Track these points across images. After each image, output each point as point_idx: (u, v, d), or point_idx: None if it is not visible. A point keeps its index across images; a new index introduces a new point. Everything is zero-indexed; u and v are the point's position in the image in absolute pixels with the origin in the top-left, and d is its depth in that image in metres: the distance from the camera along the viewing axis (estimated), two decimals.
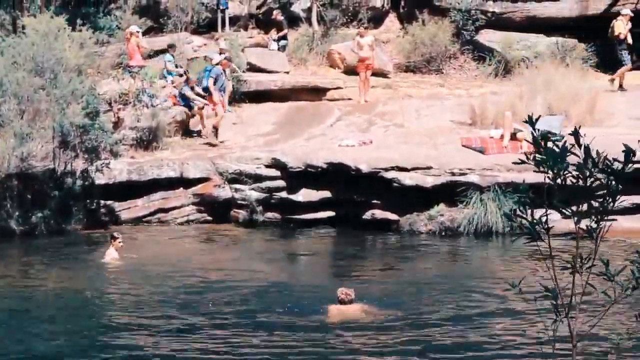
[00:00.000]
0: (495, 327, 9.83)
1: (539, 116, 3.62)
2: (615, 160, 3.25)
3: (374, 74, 22.55)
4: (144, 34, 24.33)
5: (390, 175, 16.45)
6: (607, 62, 22.51)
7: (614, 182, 3.18)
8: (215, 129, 19.78)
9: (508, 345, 9.09)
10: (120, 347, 9.37)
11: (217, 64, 20.48)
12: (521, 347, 8.97)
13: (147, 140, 19.49)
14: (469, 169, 16.41)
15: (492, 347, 9.03)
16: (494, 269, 13.71)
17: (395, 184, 16.38)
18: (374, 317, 10.40)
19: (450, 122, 19.84)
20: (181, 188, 18.17)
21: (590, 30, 23.24)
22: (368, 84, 21.97)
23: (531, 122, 3.40)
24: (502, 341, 9.25)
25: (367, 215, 16.73)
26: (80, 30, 18.93)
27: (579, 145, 3.21)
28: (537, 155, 3.32)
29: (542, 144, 3.27)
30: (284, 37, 25.03)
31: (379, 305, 10.77)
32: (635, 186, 6.39)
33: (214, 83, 19.97)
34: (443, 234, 16.01)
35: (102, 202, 17.84)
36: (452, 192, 16.08)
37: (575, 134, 3.24)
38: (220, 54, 21.63)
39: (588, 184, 3.20)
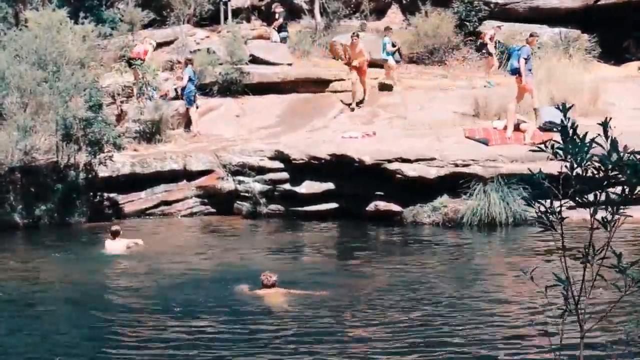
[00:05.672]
0: (500, 318, 9.82)
1: (571, 104, 3.63)
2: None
3: (376, 65, 22.47)
4: (146, 26, 24.40)
5: (393, 166, 16.44)
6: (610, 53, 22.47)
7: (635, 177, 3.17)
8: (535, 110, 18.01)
9: (514, 335, 9.08)
10: (122, 339, 9.38)
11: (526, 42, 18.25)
12: (527, 337, 8.95)
13: (150, 133, 19.54)
14: (472, 160, 16.38)
15: (497, 337, 9.02)
16: (498, 260, 13.68)
17: (398, 176, 16.36)
18: (295, 300, 10.73)
19: (454, 113, 19.81)
20: (184, 180, 18.22)
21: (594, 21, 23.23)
22: (359, 87, 21.28)
23: (564, 109, 3.39)
24: (508, 331, 9.24)
25: (371, 207, 16.72)
26: (83, 23, 18.93)
27: (607, 137, 3.21)
28: (558, 143, 3.31)
29: (569, 132, 3.26)
30: (284, 29, 24.84)
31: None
32: None
33: (525, 63, 17.49)
34: (447, 225, 15.99)
35: (105, 195, 17.90)
36: (455, 184, 16.06)
37: (605, 125, 3.24)
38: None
39: (610, 176, 3.20)
